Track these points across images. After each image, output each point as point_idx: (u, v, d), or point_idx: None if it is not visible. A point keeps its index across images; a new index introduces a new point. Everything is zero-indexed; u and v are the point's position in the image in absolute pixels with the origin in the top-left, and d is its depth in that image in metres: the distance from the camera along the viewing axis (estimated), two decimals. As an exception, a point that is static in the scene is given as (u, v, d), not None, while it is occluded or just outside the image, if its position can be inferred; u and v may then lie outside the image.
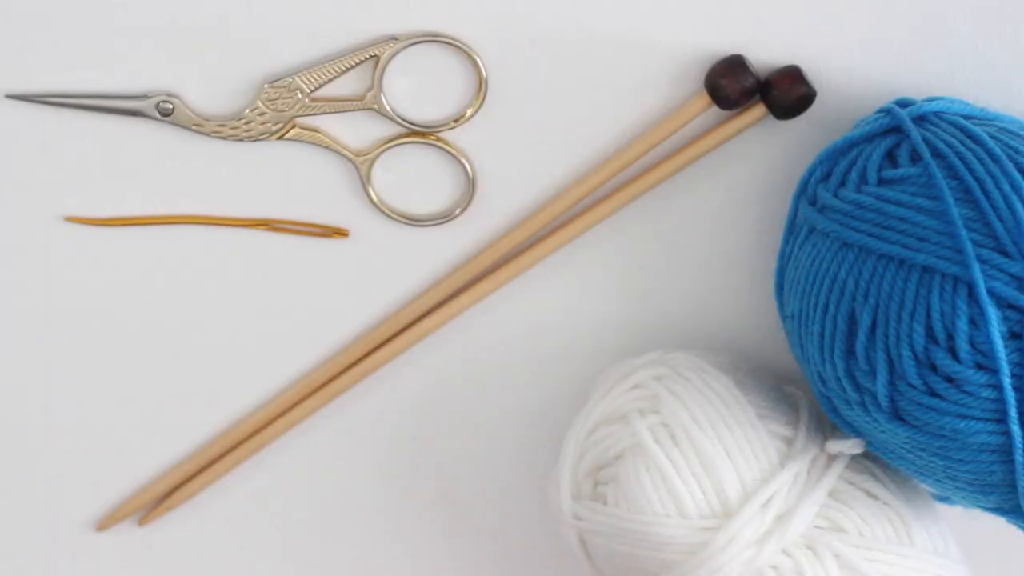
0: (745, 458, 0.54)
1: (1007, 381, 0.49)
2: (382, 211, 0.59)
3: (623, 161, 0.58)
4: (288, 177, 0.59)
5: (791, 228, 0.56)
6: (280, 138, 0.59)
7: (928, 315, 0.50)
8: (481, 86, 0.58)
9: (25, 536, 0.63)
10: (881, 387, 0.51)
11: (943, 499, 0.58)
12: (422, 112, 0.59)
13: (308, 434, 0.62)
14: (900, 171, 0.52)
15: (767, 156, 0.58)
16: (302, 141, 0.59)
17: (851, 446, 0.55)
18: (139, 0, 0.57)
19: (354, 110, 0.58)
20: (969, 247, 0.49)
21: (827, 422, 0.57)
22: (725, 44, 0.57)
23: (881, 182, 0.52)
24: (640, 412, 0.55)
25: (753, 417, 0.55)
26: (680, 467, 0.54)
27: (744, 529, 0.53)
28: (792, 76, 0.56)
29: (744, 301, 0.60)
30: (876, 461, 0.57)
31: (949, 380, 0.50)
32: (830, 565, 0.53)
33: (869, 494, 0.55)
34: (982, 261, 0.49)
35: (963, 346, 0.49)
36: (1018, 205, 0.50)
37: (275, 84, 0.58)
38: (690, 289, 0.60)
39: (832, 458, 0.55)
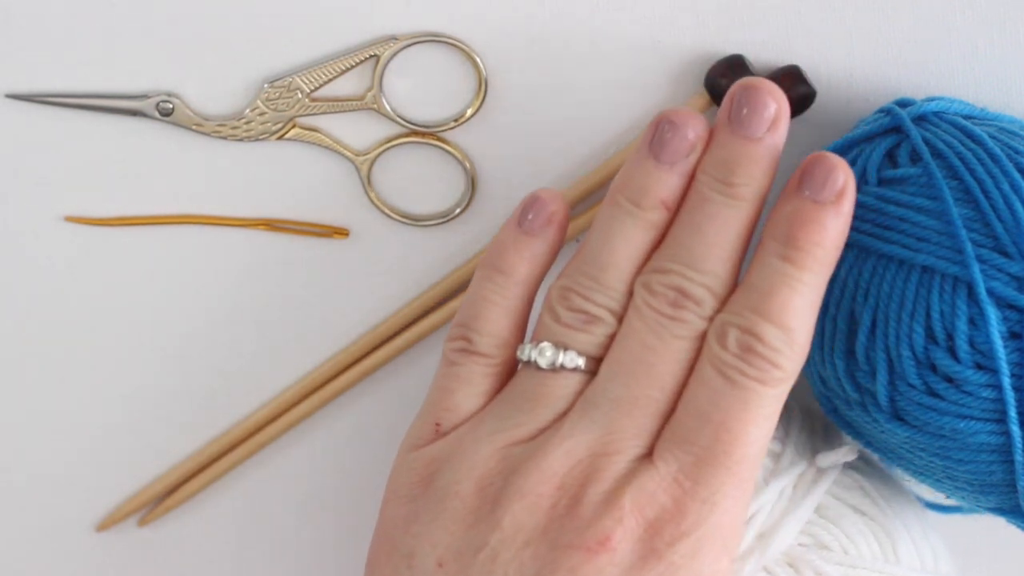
0: (728, 475, 0.53)
1: (1007, 381, 0.49)
2: (382, 211, 0.59)
3: (623, 161, 0.58)
4: (288, 177, 0.59)
5: (791, 228, 0.56)
6: (280, 138, 0.59)
7: (928, 315, 0.50)
8: (481, 86, 0.58)
9: (25, 536, 0.63)
10: (881, 387, 0.51)
11: (940, 507, 0.58)
12: (422, 112, 0.59)
13: (308, 434, 0.62)
14: (900, 171, 0.52)
15: (767, 156, 0.58)
16: (302, 141, 0.59)
17: (843, 454, 0.54)
18: (139, 0, 0.57)
19: (354, 110, 0.58)
20: (969, 247, 0.50)
21: (819, 434, 0.57)
22: (725, 44, 0.57)
23: (881, 182, 0.52)
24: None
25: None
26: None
27: (724, 548, 0.52)
28: (792, 76, 0.56)
29: (744, 301, 0.60)
30: (866, 474, 0.56)
31: (949, 380, 0.50)
32: (811, 583, 0.53)
33: (856, 510, 0.55)
34: (982, 261, 0.49)
35: (963, 346, 0.50)
36: (1018, 205, 0.50)
37: (275, 84, 0.58)
38: (690, 289, 0.59)
39: (820, 472, 0.55)
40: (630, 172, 0.51)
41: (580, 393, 0.50)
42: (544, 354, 0.50)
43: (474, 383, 0.52)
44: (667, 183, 0.50)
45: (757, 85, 0.50)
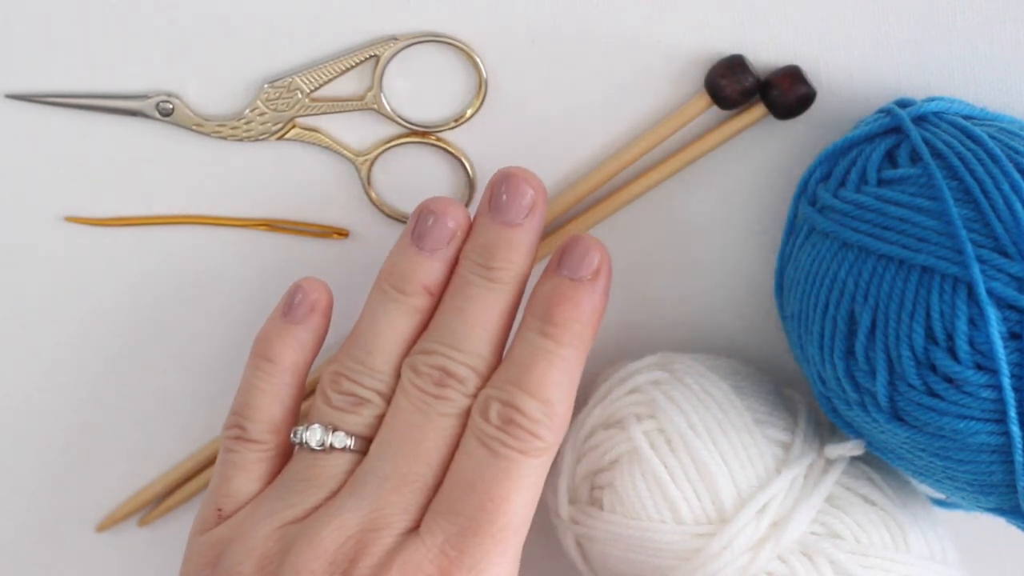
0: (741, 464, 0.54)
1: (1007, 381, 0.49)
2: (382, 211, 0.59)
3: (623, 161, 0.58)
4: (288, 177, 0.59)
5: (791, 228, 0.56)
6: (280, 138, 0.59)
7: (928, 315, 0.50)
8: (481, 86, 0.58)
9: (25, 536, 0.63)
10: (881, 387, 0.51)
11: (942, 504, 0.58)
12: (422, 112, 0.59)
13: (308, 434, 0.62)
14: (900, 171, 0.52)
15: (767, 156, 0.58)
16: (302, 141, 0.59)
17: (851, 448, 0.55)
18: (139, 1, 0.57)
19: (354, 110, 0.58)
20: (969, 247, 0.49)
21: (825, 426, 0.57)
22: (725, 44, 0.57)
23: (881, 182, 0.52)
24: (637, 417, 0.55)
25: (750, 423, 0.55)
26: (675, 473, 0.54)
27: (739, 535, 0.53)
28: (792, 76, 0.56)
29: (744, 301, 0.60)
30: (874, 466, 0.56)
31: (949, 380, 0.50)
32: (825, 571, 0.53)
33: (866, 500, 0.55)
34: (982, 261, 0.49)
35: (963, 346, 0.49)
36: (1018, 206, 0.50)
37: (275, 84, 0.58)
38: (690, 289, 0.59)
39: (830, 463, 0.55)
40: (395, 259, 0.54)
41: (352, 472, 0.52)
42: (314, 435, 0.52)
43: (250, 469, 0.54)
44: (429, 269, 0.53)
45: (515, 173, 0.53)
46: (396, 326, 0.53)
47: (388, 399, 0.53)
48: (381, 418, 0.53)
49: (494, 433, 0.51)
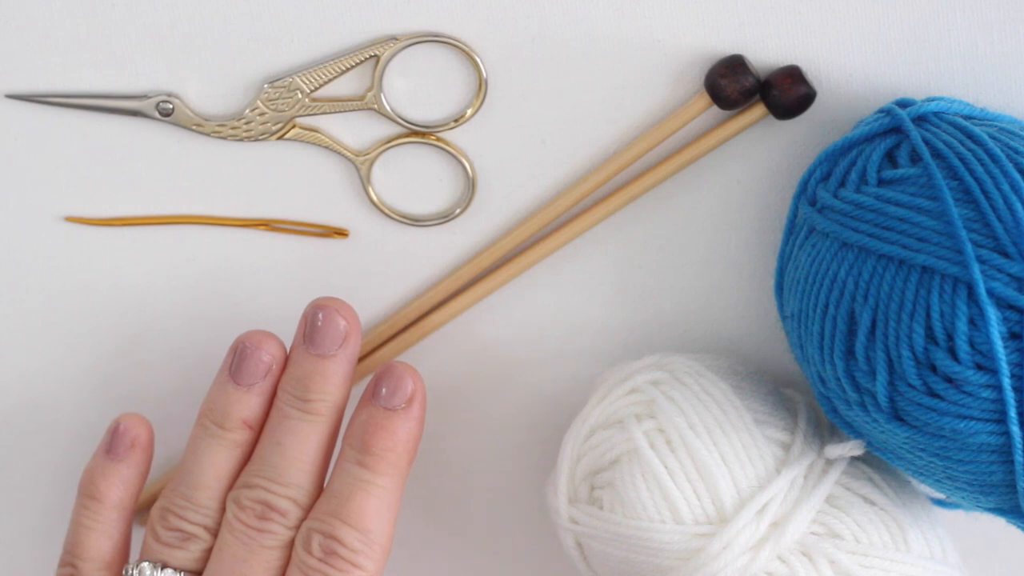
0: (741, 464, 0.54)
1: (1007, 381, 0.49)
2: (382, 211, 0.59)
3: (623, 161, 0.58)
4: (288, 177, 0.59)
5: (791, 228, 0.56)
6: (280, 138, 0.59)
7: (928, 315, 0.50)
8: (481, 86, 0.58)
9: (25, 535, 0.63)
10: (881, 387, 0.51)
11: (942, 503, 0.58)
12: (422, 112, 0.59)
13: (308, 434, 0.62)
14: (900, 171, 0.52)
15: (767, 156, 0.58)
16: (302, 141, 0.59)
17: (851, 448, 0.55)
18: (139, 0, 0.57)
19: (354, 110, 0.58)
20: (969, 247, 0.49)
21: (825, 426, 0.57)
22: (725, 44, 0.57)
23: (881, 182, 0.52)
24: (637, 417, 0.55)
25: (750, 423, 0.55)
26: (675, 473, 0.54)
27: (739, 535, 0.53)
28: (792, 76, 0.56)
29: (744, 301, 0.60)
30: (874, 466, 0.56)
31: (949, 380, 0.50)
32: (825, 571, 0.53)
33: (866, 500, 0.55)
34: (982, 262, 0.49)
35: (963, 346, 0.49)
36: (1018, 206, 0.50)
37: (275, 84, 0.58)
38: (690, 289, 0.60)
39: (830, 463, 0.55)
40: (214, 395, 0.55)
41: None
42: (143, 574, 0.54)
43: None
44: (247, 404, 0.55)
45: (327, 304, 0.55)
46: (218, 461, 0.55)
47: (215, 533, 0.54)
48: (209, 551, 0.54)
49: (316, 565, 0.52)
